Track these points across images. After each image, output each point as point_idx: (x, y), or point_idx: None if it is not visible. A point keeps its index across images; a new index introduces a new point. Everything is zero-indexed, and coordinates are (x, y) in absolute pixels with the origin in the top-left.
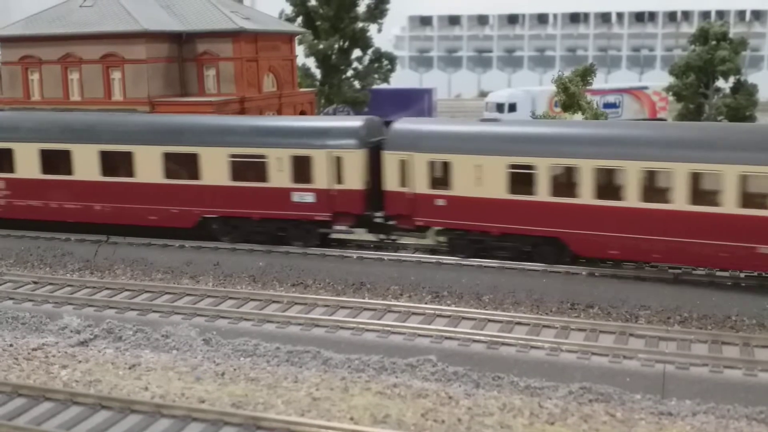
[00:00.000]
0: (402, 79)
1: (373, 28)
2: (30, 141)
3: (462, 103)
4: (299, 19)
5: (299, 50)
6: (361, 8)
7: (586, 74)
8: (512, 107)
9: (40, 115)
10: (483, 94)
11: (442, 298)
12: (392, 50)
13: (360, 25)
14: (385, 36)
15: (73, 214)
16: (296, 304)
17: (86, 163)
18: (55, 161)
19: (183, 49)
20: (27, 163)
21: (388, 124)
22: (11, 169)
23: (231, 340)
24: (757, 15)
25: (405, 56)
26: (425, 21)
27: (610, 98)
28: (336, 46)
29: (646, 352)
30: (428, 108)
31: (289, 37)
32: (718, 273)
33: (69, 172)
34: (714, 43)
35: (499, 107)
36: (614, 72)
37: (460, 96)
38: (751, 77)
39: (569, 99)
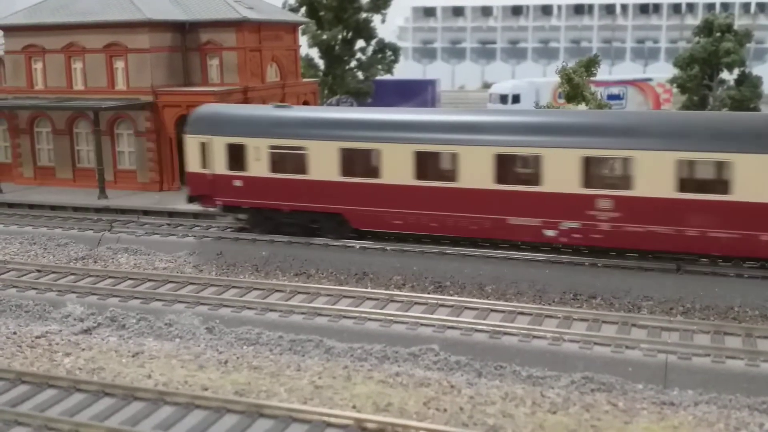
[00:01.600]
0: (406, 70)
1: (376, 19)
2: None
3: (466, 94)
4: (303, 9)
5: (303, 40)
6: None
7: (590, 65)
8: (516, 98)
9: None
10: (487, 86)
11: (445, 288)
12: (396, 41)
13: (364, 15)
14: (388, 27)
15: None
16: (299, 293)
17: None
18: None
19: (186, 39)
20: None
21: None
22: (629, 186)
23: (234, 329)
24: (762, 7)
25: (409, 47)
26: (429, 12)
27: (614, 90)
28: (339, 36)
29: (649, 342)
30: (431, 99)
31: (292, 27)
32: (721, 263)
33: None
34: (718, 34)
35: (503, 99)
36: (618, 64)
37: (464, 87)
38: (756, 69)
39: (573, 90)
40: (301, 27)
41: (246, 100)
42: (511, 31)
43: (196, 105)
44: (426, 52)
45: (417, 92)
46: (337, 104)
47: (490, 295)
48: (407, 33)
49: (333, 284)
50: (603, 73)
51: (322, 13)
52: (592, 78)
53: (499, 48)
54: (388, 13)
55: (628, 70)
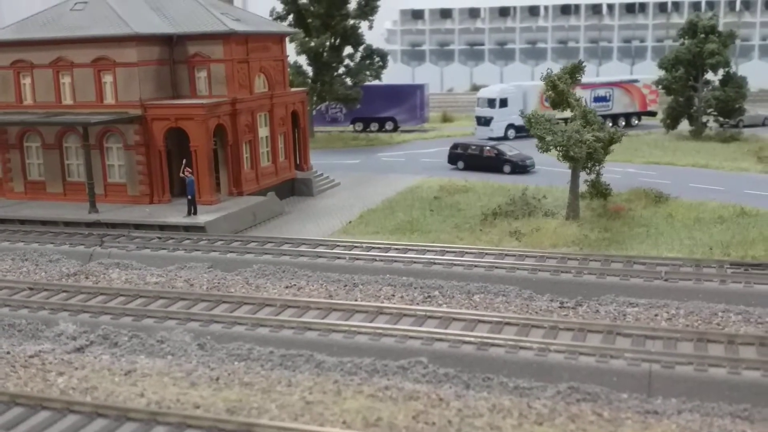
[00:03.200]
0: (394, 73)
1: (364, 26)
2: None
3: (455, 97)
4: (290, 17)
5: (291, 48)
6: (352, 5)
7: (574, 71)
8: (503, 102)
9: None
10: (475, 88)
11: (434, 299)
12: (384, 44)
13: (351, 22)
14: (377, 30)
15: None
16: (289, 307)
17: None
18: None
19: (174, 52)
20: None
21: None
22: None
23: (225, 345)
24: (746, 5)
25: (397, 50)
26: (417, 14)
27: (601, 92)
28: (327, 43)
29: (633, 351)
30: (420, 103)
31: (279, 38)
32: (706, 270)
33: None
34: (703, 36)
35: (491, 102)
36: (606, 63)
37: (452, 90)
38: (742, 67)
39: (558, 96)
40: (289, 35)
41: (234, 113)
42: (498, 32)
43: (185, 118)
44: (414, 55)
45: (406, 97)
46: (327, 111)
47: (478, 304)
48: (395, 36)
49: (323, 297)
50: (590, 74)
51: (309, 21)
52: (577, 83)
53: (487, 49)
54: (375, 19)
55: (615, 69)
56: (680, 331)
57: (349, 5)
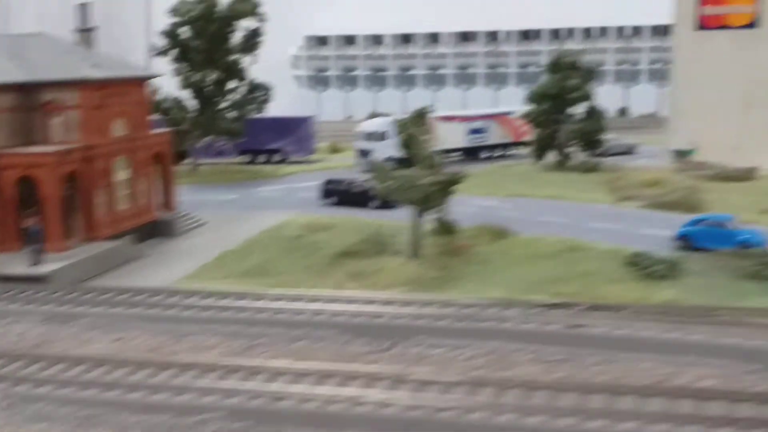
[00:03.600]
0: (299, 99)
1: (254, 60)
2: None
3: (350, 126)
4: (174, 52)
5: (176, 82)
6: (236, 40)
7: (421, 116)
8: (382, 136)
9: None
10: (375, 115)
11: (256, 347)
12: (290, 69)
13: (234, 57)
14: (282, 55)
15: None
16: (103, 364)
17: None
18: None
19: (29, 99)
20: None
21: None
22: None
23: (30, 405)
24: (637, 30)
25: (303, 75)
26: (322, 40)
27: (477, 124)
28: (213, 77)
29: (410, 398)
30: (307, 135)
31: (140, 82)
32: (509, 311)
33: None
34: (565, 72)
35: (370, 136)
36: (504, 89)
37: (352, 118)
38: (632, 91)
39: (407, 140)
40: (174, 68)
41: (89, 158)
42: (401, 58)
43: (35, 165)
44: (320, 80)
45: (293, 129)
46: (213, 144)
47: (297, 352)
48: (301, 61)
49: (145, 350)
50: (489, 99)
51: (191, 56)
52: (423, 127)
53: (391, 75)
54: (258, 54)
55: (513, 94)
56: (460, 375)
57: (231, 41)
